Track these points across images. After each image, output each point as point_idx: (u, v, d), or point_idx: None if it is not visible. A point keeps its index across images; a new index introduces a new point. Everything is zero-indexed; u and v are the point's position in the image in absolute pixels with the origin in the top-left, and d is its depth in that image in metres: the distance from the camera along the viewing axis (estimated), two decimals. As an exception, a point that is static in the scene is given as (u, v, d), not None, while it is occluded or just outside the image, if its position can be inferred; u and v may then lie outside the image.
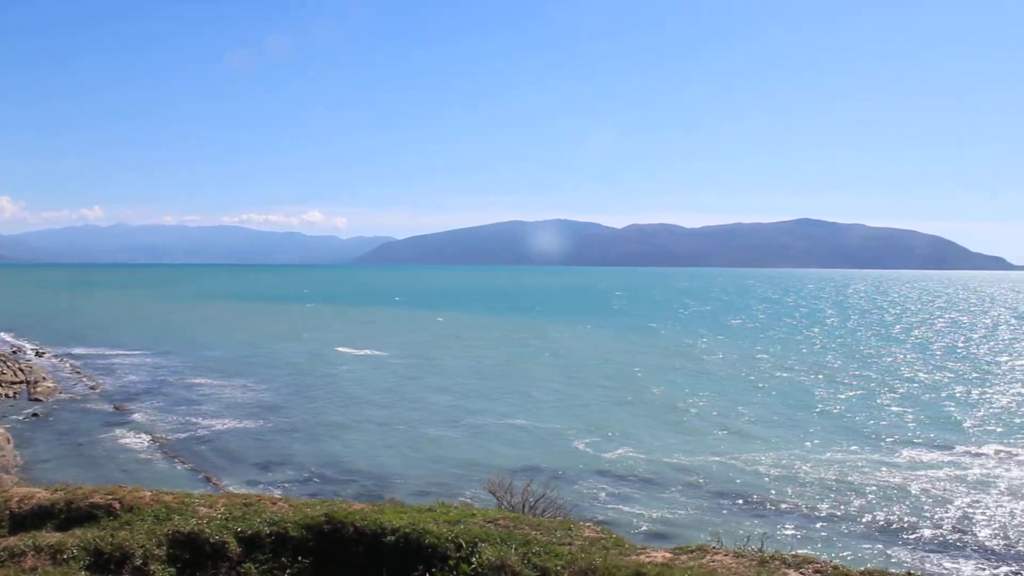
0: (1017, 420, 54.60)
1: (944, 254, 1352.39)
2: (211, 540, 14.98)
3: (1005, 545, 30.20)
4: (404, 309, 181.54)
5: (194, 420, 52.49)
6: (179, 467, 41.28)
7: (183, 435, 48.26)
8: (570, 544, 14.87)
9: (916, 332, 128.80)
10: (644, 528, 31.69)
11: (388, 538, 15.07)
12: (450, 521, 15.69)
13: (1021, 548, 29.88)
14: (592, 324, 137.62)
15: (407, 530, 15.12)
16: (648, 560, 14.12)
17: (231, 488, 34.71)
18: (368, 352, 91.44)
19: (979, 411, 57.84)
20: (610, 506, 35.03)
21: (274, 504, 16.79)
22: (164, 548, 14.75)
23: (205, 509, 16.24)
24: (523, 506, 23.68)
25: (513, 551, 14.29)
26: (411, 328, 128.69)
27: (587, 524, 16.92)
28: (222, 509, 16.21)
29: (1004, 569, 27.88)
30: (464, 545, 14.60)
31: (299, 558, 15.04)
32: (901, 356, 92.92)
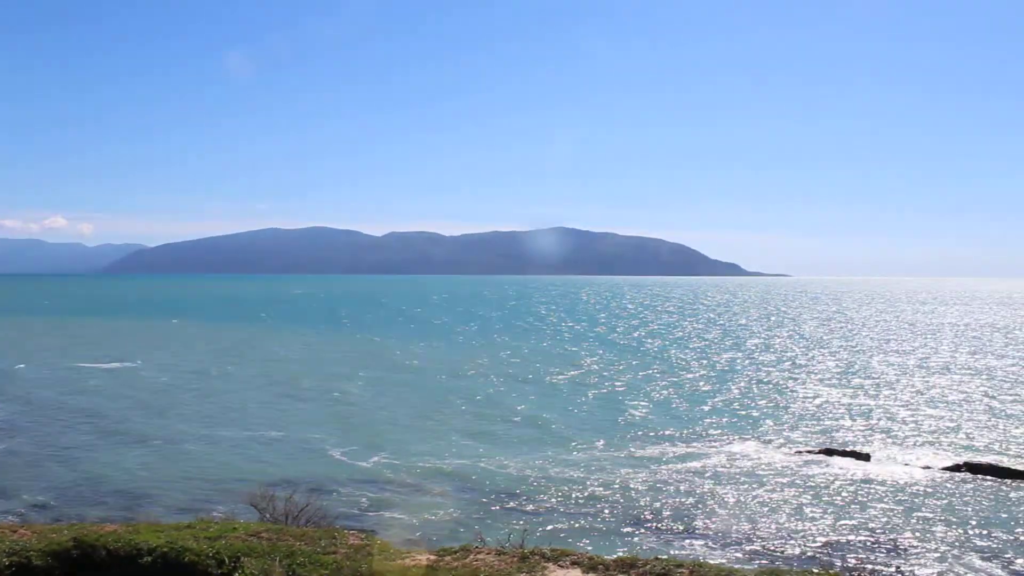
0: (729, 412, 60.40)
1: (687, 260, 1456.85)
2: (-60, 575, 13.87)
3: (737, 527, 33.42)
4: (145, 319, 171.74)
5: (-93, 446, 47.19)
6: None
7: None
8: (335, 552, 15.07)
9: (635, 335, 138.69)
10: (407, 533, 32.12)
11: (145, 559, 14.60)
12: (211, 537, 15.42)
13: (756, 531, 33.16)
14: (318, 334, 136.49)
15: (165, 549, 14.71)
16: (413, 563, 14.59)
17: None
18: (105, 365, 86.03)
19: (699, 407, 63.35)
20: (372, 513, 35.29)
21: (14, 532, 15.73)
22: None
23: (-67, 542, 14.94)
24: (287, 518, 23.46)
25: (277, 563, 14.29)
26: (150, 338, 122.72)
27: (351, 532, 17.16)
28: (-47, 541, 14.98)
29: (736, 547, 30.83)
30: (227, 560, 14.44)
31: (45, 587, 14.25)
32: (617, 359, 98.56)
